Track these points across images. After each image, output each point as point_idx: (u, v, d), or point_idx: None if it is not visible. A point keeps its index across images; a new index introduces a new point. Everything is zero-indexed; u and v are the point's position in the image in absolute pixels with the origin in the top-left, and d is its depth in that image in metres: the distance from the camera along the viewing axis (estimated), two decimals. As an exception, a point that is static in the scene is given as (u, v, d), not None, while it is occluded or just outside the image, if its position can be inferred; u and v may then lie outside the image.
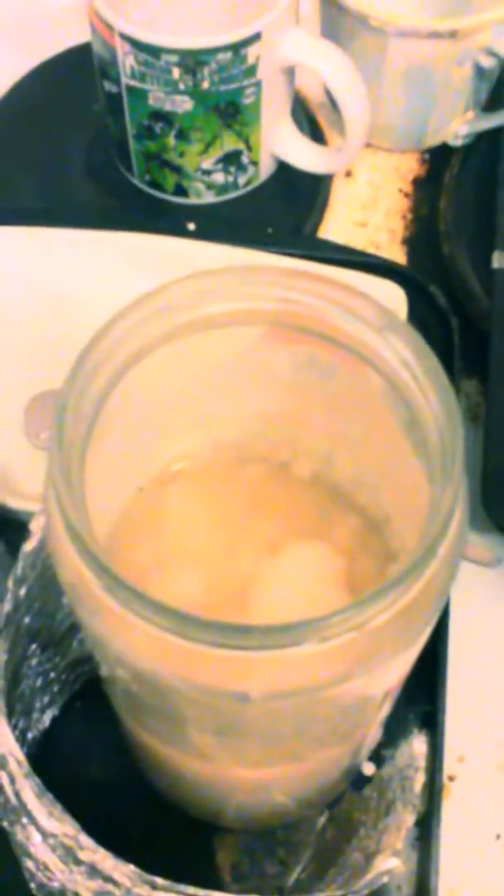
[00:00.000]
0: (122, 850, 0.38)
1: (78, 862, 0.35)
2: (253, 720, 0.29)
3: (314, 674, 0.27)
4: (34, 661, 0.44)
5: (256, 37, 0.52)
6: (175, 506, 0.39)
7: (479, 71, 0.59)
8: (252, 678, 0.27)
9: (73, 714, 0.48)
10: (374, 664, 0.28)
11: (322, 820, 0.46)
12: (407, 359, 0.29)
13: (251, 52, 0.52)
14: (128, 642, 0.28)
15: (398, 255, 0.62)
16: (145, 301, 0.29)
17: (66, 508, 0.27)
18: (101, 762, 0.48)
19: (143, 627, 0.27)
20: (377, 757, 0.46)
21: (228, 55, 0.52)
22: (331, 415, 0.37)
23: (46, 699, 0.46)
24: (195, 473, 0.39)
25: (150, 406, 0.35)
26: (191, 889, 0.34)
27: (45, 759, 0.47)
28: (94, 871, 0.35)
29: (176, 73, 0.53)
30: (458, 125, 0.63)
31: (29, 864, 0.38)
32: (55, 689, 0.47)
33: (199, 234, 0.57)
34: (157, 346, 0.30)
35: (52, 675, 0.46)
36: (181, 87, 0.53)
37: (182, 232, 0.57)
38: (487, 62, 0.58)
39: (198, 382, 0.35)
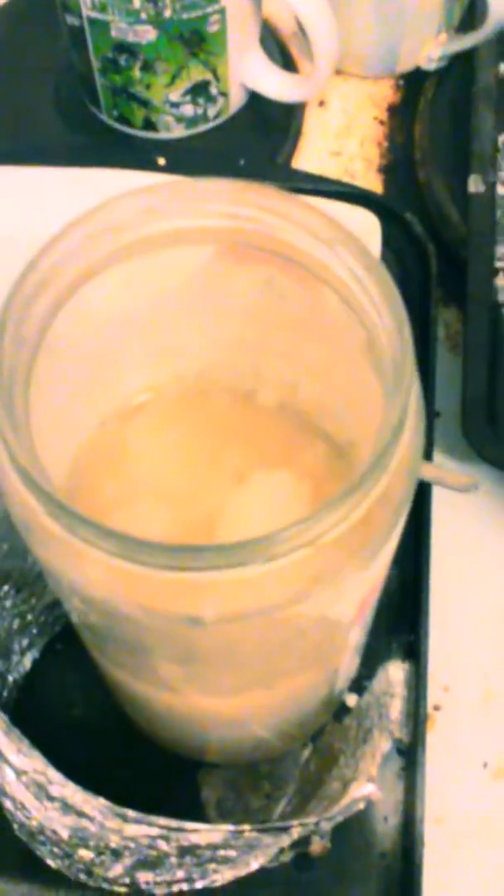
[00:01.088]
0: (108, 790, 0.38)
1: (51, 798, 0.35)
2: (211, 645, 0.29)
3: (267, 594, 0.26)
4: (8, 603, 0.44)
5: (217, -39, 0.51)
6: (138, 439, 0.38)
7: (450, -9, 0.58)
8: (204, 600, 0.26)
9: (55, 656, 0.48)
10: (329, 583, 0.27)
11: (306, 752, 0.45)
12: (358, 273, 0.29)
13: (213, -23, 0.51)
14: (78, 571, 0.27)
15: (374, 184, 0.61)
16: (84, 220, 0.29)
17: (7, 437, 0.26)
18: (85, 704, 0.47)
19: (92, 554, 0.26)
20: (359, 688, 0.46)
21: (189, -20, 0.51)
22: (293, 340, 0.36)
23: (25, 642, 0.46)
24: (158, 406, 0.38)
25: (105, 336, 0.34)
26: (162, 820, 0.33)
27: (29, 701, 0.47)
28: (67, 806, 0.35)
29: (137, 2, 0.51)
30: (431, 48, 0.61)
31: (7, 803, 0.37)
32: (34, 631, 0.46)
33: (170, 169, 0.56)
34: (101, 267, 0.30)
35: (30, 616, 0.46)
36: (143, 16, 0.52)
37: (152, 167, 0.56)
38: (458, -19, 0.57)
39: (153, 309, 0.34)
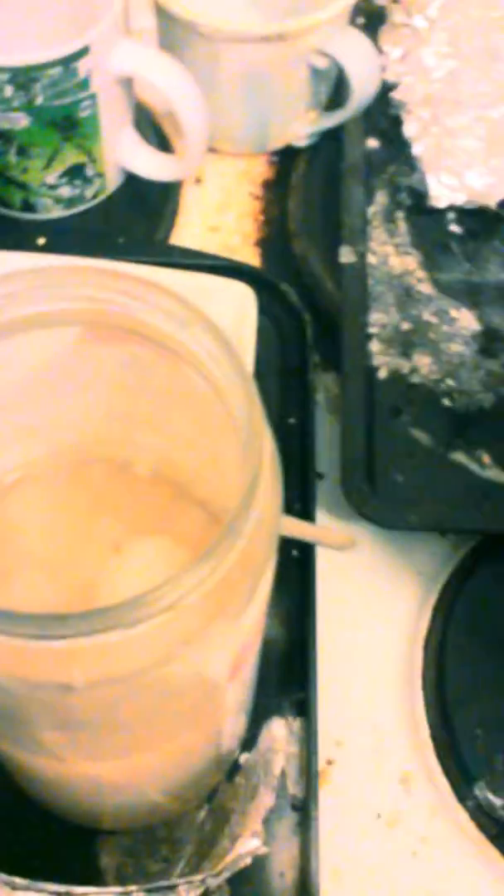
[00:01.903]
0: (6, 862, 0.38)
1: None
2: (87, 710, 0.30)
3: (133, 657, 0.27)
4: None
5: (85, 50, 0.53)
6: (16, 514, 0.39)
7: (315, 72, 0.61)
8: (73, 667, 0.27)
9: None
10: (194, 644, 0.28)
11: (202, 814, 0.46)
12: (211, 349, 0.30)
13: (82, 66, 0.53)
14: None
15: (252, 257, 0.63)
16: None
17: None
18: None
19: (-38, 627, 0.27)
20: (251, 747, 0.47)
21: (59, 70, 0.53)
22: (161, 412, 0.37)
23: None
24: (35, 480, 0.39)
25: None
26: (51, 886, 0.34)
27: None
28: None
29: (9, 90, 0.53)
30: (301, 126, 0.64)
31: None
32: None
33: (50, 248, 0.57)
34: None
35: None
36: (15, 103, 0.54)
37: (32, 247, 0.57)
38: (321, 62, 0.60)
39: (20, 388, 0.35)
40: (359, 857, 0.48)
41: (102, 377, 0.36)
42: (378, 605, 0.54)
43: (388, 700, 0.51)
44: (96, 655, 0.27)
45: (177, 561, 0.38)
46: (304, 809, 0.47)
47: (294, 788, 0.47)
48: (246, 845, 0.36)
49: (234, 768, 0.46)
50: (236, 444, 0.31)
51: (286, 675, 0.49)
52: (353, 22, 0.63)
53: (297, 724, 0.47)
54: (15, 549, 0.38)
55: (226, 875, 0.36)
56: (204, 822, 0.46)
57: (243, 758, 0.46)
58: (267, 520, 0.29)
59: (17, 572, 0.38)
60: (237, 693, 0.38)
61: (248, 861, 0.36)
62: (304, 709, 0.48)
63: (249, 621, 0.32)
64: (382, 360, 0.57)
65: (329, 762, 0.50)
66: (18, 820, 0.46)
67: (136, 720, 0.32)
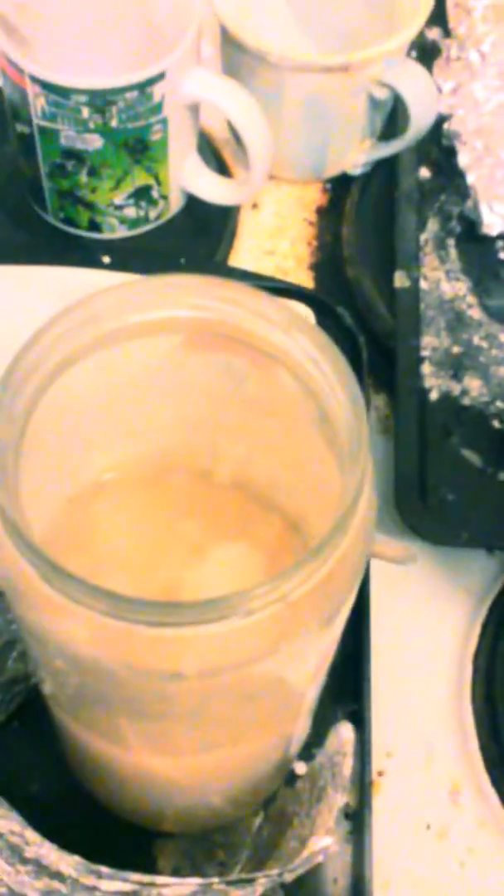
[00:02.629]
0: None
1: (24, 861, 0.36)
2: (186, 700, 0.31)
3: (243, 647, 0.29)
4: (-28, 681, 0.45)
5: (161, 76, 0.54)
6: (102, 516, 0.40)
7: (373, 102, 0.63)
8: (185, 655, 0.29)
9: (11, 734, 0.49)
10: (299, 637, 0.30)
11: (258, 820, 0.47)
12: (313, 354, 0.32)
13: (157, 91, 0.55)
14: (68, 631, 0.29)
15: (305, 280, 0.65)
16: (72, 311, 0.31)
17: (4, 504, 0.28)
18: (41, 780, 0.48)
19: (81, 613, 0.29)
20: (308, 756, 0.48)
21: (135, 94, 0.54)
22: (247, 420, 0.39)
23: (-16, 719, 0.48)
24: (121, 484, 0.41)
25: (76, 418, 0.36)
26: (135, 875, 0.35)
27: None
28: (39, 868, 0.36)
29: (85, 112, 0.55)
30: (356, 155, 0.66)
31: (-24, 871, 0.39)
32: (-7, 708, 0.48)
33: (114, 267, 0.59)
34: (81, 355, 0.32)
35: (-11, 694, 0.47)
36: (91, 125, 0.55)
37: (97, 265, 0.59)
38: (380, 93, 0.62)
39: (121, 393, 0.37)
40: (408, 866, 0.49)
41: (194, 385, 0.38)
42: (428, 619, 0.55)
43: (437, 713, 0.52)
44: (207, 644, 0.29)
45: (255, 566, 0.40)
46: (357, 818, 0.48)
47: (347, 797, 0.48)
48: (320, 842, 0.37)
49: (290, 777, 0.47)
50: (329, 450, 0.33)
51: (340, 687, 0.50)
52: (407, 55, 0.65)
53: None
54: (101, 549, 0.39)
55: (300, 871, 0.37)
56: (261, 828, 0.47)
57: (301, 768, 0.47)
58: (365, 521, 0.30)
59: (101, 571, 0.39)
60: (312, 694, 0.39)
61: (321, 858, 0.37)
62: (357, 719, 0.49)
63: (339, 623, 0.33)
64: (434, 383, 0.59)
65: (380, 773, 0.51)
66: (80, 819, 0.47)
67: (221, 716, 0.34)
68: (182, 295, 0.33)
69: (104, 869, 0.36)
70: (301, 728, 0.42)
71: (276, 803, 0.47)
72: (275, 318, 0.32)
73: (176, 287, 0.33)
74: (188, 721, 0.33)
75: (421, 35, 0.68)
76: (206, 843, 0.47)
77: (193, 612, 0.28)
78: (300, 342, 0.32)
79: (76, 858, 0.36)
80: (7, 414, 0.29)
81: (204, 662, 0.29)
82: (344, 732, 0.41)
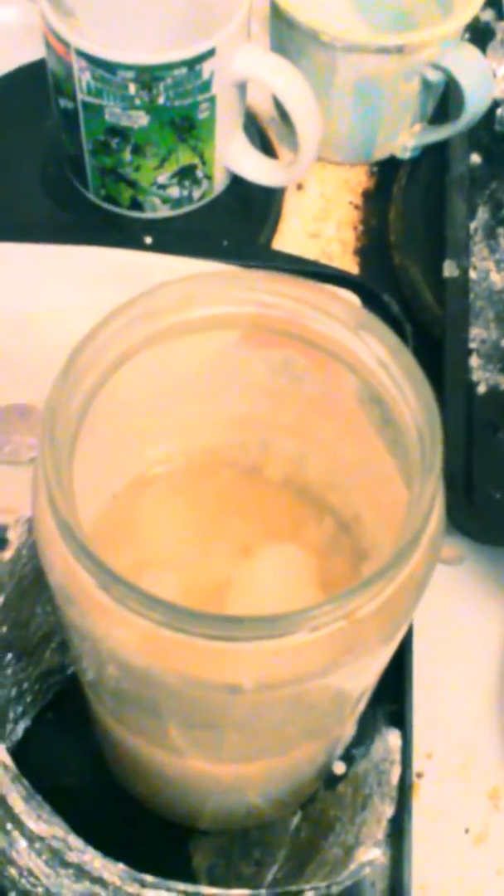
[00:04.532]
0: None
1: (65, 864, 0.36)
2: (240, 712, 0.30)
3: (304, 663, 0.28)
4: (9, 671, 0.44)
5: (211, 52, 0.53)
6: (149, 512, 0.39)
7: (426, 85, 0.61)
8: (244, 669, 0.28)
9: (46, 725, 0.48)
10: (360, 654, 0.28)
11: (295, 820, 0.46)
12: (382, 357, 0.30)
13: (206, 68, 0.53)
14: (121, 639, 0.28)
15: (350, 266, 0.63)
16: (132, 305, 0.30)
17: (60, 508, 0.27)
18: (76, 772, 0.48)
19: (137, 623, 0.27)
20: (347, 756, 0.47)
21: (184, 70, 0.53)
22: (302, 418, 0.37)
23: (20, 709, 0.47)
24: (169, 479, 0.39)
25: (128, 412, 0.35)
26: (180, 885, 0.34)
27: (20, 769, 0.47)
28: (81, 872, 0.35)
29: (132, 88, 0.53)
30: (406, 138, 0.64)
31: (12, 871, 0.38)
32: (28, 699, 0.47)
33: (156, 248, 0.58)
34: (139, 349, 0.31)
35: (26, 685, 0.46)
36: (137, 102, 0.54)
37: (139, 245, 0.58)
38: (433, 76, 0.60)
39: (174, 388, 0.35)
40: (446, 871, 0.48)
41: (249, 382, 0.36)
42: (471, 619, 0.54)
43: (478, 715, 0.51)
44: (268, 659, 0.28)
45: (305, 569, 0.38)
46: (396, 822, 0.47)
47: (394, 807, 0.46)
48: (368, 854, 0.36)
49: (330, 778, 0.46)
50: (391, 455, 0.32)
51: (382, 687, 0.49)
52: (461, 37, 0.63)
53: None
54: (146, 546, 0.38)
55: (347, 883, 0.36)
56: (299, 828, 0.46)
57: (340, 767, 0.46)
58: (435, 535, 0.29)
59: (146, 571, 0.38)
60: (362, 705, 0.38)
61: (368, 870, 0.36)
62: (398, 720, 0.48)
63: (399, 637, 0.32)
64: (482, 376, 0.57)
65: (419, 775, 0.50)
66: (115, 814, 0.46)
67: (278, 726, 0.33)
68: (246, 291, 0.31)
69: (148, 877, 0.35)
70: (347, 733, 0.41)
71: (316, 805, 0.46)
72: (342, 318, 0.31)
73: (239, 282, 0.31)
74: (239, 731, 0.32)
75: (474, 17, 0.66)
76: (242, 841, 0.46)
77: (255, 627, 0.27)
78: (369, 344, 0.31)
79: (120, 866, 0.35)
80: (63, 414, 0.28)
81: (262, 677, 0.28)
82: (391, 740, 0.40)
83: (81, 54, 0.53)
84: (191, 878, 0.46)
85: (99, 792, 0.47)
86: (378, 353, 0.30)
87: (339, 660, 0.28)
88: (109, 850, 0.45)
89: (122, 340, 0.30)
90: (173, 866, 0.46)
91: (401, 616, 0.29)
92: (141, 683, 0.30)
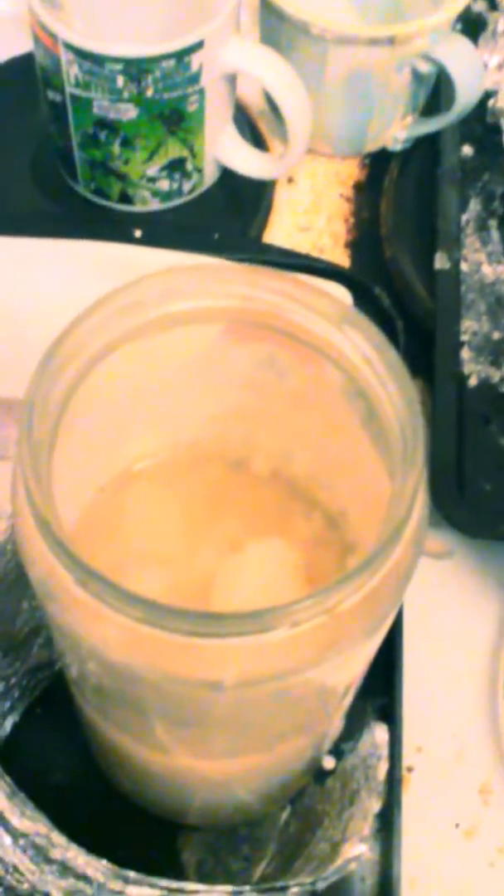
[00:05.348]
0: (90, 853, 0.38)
1: (49, 861, 0.35)
2: (223, 709, 0.30)
3: (286, 659, 0.27)
4: (-5, 667, 0.44)
5: (199, 45, 0.53)
6: (135, 506, 0.39)
7: (417, 76, 0.61)
8: (225, 666, 0.27)
9: (34, 720, 0.48)
10: (343, 648, 0.28)
11: (284, 815, 0.46)
12: (366, 352, 0.30)
13: (195, 60, 0.53)
14: (101, 636, 0.28)
15: (341, 259, 0.63)
16: (113, 297, 0.30)
17: (37, 504, 0.27)
18: (64, 768, 0.48)
19: (116, 619, 0.27)
20: (337, 751, 0.46)
21: (172, 63, 0.53)
22: (288, 412, 0.37)
23: (7, 705, 0.47)
24: (154, 474, 0.39)
25: (111, 407, 0.35)
26: (163, 881, 0.34)
27: (7, 765, 0.47)
28: (65, 869, 0.35)
29: (120, 81, 0.53)
30: (397, 130, 0.64)
31: (-3, 867, 0.38)
32: (16, 694, 0.47)
33: (146, 241, 0.57)
34: (121, 343, 0.31)
35: (13, 680, 0.46)
36: (125, 95, 0.54)
37: (129, 239, 0.57)
38: (424, 67, 0.60)
39: (157, 382, 0.35)
40: (436, 865, 0.48)
41: (233, 376, 0.36)
42: (461, 613, 0.53)
43: (469, 709, 0.51)
44: (249, 655, 0.27)
45: (292, 563, 0.38)
46: (386, 816, 0.47)
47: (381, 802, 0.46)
48: (354, 850, 0.36)
49: (319, 773, 0.46)
50: (376, 449, 0.31)
51: (371, 681, 0.49)
52: (452, 28, 0.63)
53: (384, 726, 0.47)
54: (132, 541, 0.38)
55: (333, 878, 0.36)
56: (287, 823, 0.46)
57: (330, 762, 0.46)
58: (418, 529, 0.29)
59: (131, 566, 0.38)
60: (349, 699, 0.38)
61: (355, 866, 0.36)
62: (388, 714, 0.48)
63: (384, 630, 0.32)
64: (473, 368, 0.57)
65: (409, 769, 0.49)
66: (103, 810, 0.46)
67: (261, 722, 0.32)
68: (228, 284, 0.31)
69: (131, 874, 0.35)
70: (335, 728, 0.40)
71: (304, 799, 0.46)
72: (326, 312, 0.31)
73: (222, 275, 0.31)
74: (224, 727, 0.32)
75: (466, 8, 0.65)
76: (231, 836, 0.46)
77: (235, 623, 0.27)
78: (352, 338, 0.30)
79: (104, 863, 0.35)
80: (41, 408, 0.28)
81: (244, 673, 0.28)
82: (379, 734, 0.40)
83: (69, 47, 0.53)
84: (180, 873, 0.46)
85: (88, 788, 0.47)
86: (361, 349, 0.30)
87: (321, 654, 0.28)
88: (99, 846, 0.45)
89: (102, 334, 0.30)
90: (162, 862, 0.46)
91: (384, 610, 0.29)
92: (122, 680, 0.30)
